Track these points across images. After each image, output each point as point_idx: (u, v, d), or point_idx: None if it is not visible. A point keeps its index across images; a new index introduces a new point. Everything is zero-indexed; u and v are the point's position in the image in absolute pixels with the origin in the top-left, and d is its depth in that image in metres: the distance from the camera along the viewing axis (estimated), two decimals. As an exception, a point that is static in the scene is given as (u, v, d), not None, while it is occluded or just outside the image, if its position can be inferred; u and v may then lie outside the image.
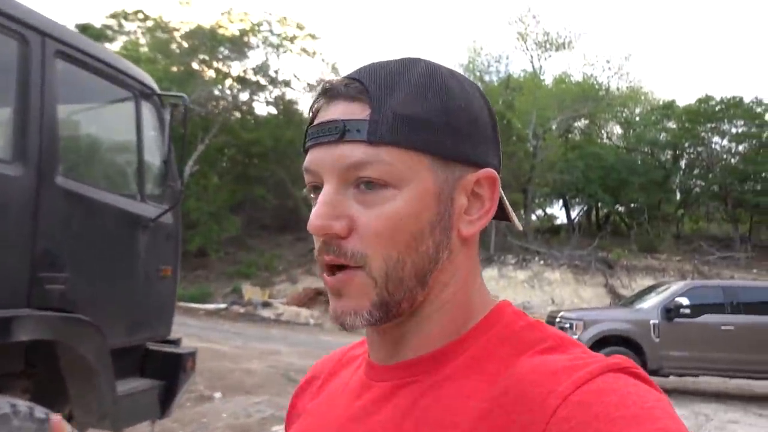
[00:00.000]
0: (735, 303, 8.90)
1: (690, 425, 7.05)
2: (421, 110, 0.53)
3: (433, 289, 0.55)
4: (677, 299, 8.88)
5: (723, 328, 8.67)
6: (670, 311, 8.78)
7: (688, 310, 8.74)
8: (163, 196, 3.34)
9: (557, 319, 9.32)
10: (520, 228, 0.66)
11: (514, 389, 0.49)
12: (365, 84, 0.53)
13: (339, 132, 0.52)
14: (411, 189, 0.53)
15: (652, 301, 9.29)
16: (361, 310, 0.53)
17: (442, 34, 61.11)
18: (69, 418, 2.97)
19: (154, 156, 3.27)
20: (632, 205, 28.79)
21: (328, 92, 0.55)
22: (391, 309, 0.54)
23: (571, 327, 8.92)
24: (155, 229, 3.22)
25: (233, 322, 15.44)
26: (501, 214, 0.63)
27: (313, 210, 0.53)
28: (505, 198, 0.61)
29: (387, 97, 0.53)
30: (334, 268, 0.54)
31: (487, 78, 30.35)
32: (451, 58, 40.19)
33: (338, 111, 0.54)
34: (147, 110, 3.23)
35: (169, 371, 3.26)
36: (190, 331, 10.33)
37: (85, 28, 23.97)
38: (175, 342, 3.57)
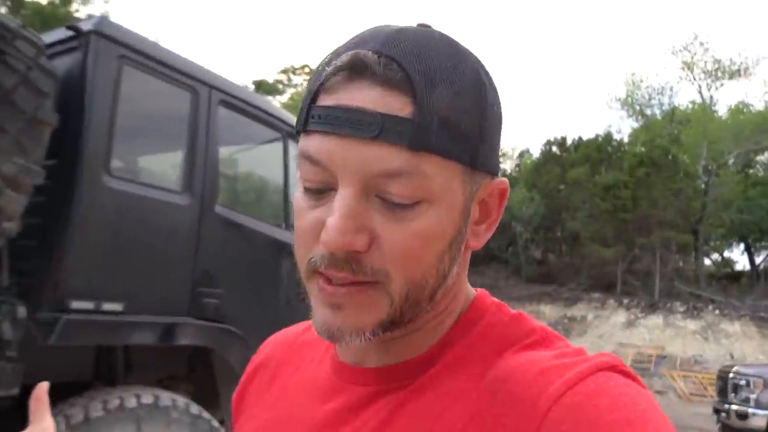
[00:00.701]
0: None
1: None
2: (465, 116, 0.46)
3: (435, 301, 0.51)
4: None
5: None
6: None
7: None
8: (305, 225, 3.69)
9: (731, 375, 8.24)
10: None
11: (503, 389, 0.46)
12: (408, 70, 0.44)
13: (375, 129, 0.43)
14: (443, 204, 0.47)
15: None
16: (364, 329, 0.47)
17: (594, 66, 58.70)
18: (221, 422, 3.35)
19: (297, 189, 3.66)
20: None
21: (356, 67, 0.45)
22: (395, 327, 0.49)
23: (747, 384, 7.84)
24: (297, 254, 3.57)
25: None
26: None
27: (331, 221, 0.45)
28: None
29: (432, 91, 0.44)
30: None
31: (648, 111, 28.42)
32: (607, 91, 38.25)
33: (371, 98, 0.44)
34: (293, 148, 3.63)
35: (305, 387, 3.52)
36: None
37: (260, 84, 27.07)
38: (312, 361, 3.85)
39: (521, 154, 31.29)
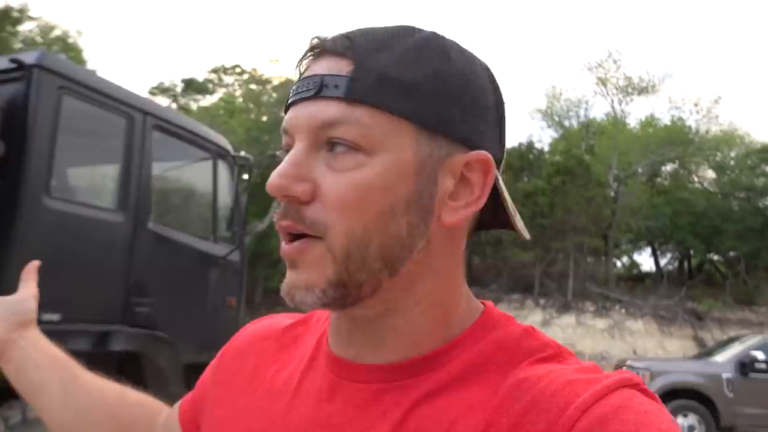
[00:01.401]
0: (819, 360, 8.41)
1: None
2: (411, 74, 0.48)
3: (407, 280, 0.50)
4: (752, 353, 8.50)
5: (806, 386, 8.20)
6: (745, 365, 8.41)
7: (764, 365, 8.34)
8: (232, 239, 4.02)
9: (624, 368, 9.18)
10: (527, 237, 0.56)
11: (526, 398, 0.46)
12: (354, 40, 0.49)
13: (316, 87, 0.48)
14: (386, 157, 0.47)
15: (727, 355, 8.94)
16: (313, 287, 0.48)
17: (518, 79, 61.44)
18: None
19: (225, 205, 3.98)
20: (730, 253, 27.17)
21: (315, 48, 0.51)
22: (350, 291, 0.48)
23: (637, 377, 8.77)
24: (224, 265, 3.89)
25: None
26: (500, 221, 0.56)
27: (276, 169, 0.48)
28: (508, 200, 0.53)
29: (375, 55, 0.48)
30: (293, 236, 0.49)
31: (566, 123, 30.20)
32: (529, 103, 40.38)
33: (321, 67, 0.49)
34: (222, 168, 3.95)
35: (231, 386, 3.85)
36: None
37: (190, 83, 26.59)
38: (238, 362, 4.18)
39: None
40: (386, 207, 0.48)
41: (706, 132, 29.25)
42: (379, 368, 0.52)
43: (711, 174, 30.35)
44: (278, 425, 0.54)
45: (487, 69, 0.53)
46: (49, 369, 0.73)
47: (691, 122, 29.38)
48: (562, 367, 0.49)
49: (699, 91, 51.90)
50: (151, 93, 26.90)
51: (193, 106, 25.94)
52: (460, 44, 0.53)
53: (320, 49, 0.50)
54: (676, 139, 27.24)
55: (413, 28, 0.51)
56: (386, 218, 0.48)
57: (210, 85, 25.50)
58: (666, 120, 30.19)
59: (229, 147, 4.05)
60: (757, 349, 8.55)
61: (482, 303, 0.56)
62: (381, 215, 0.47)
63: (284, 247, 0.50)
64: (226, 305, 3.94)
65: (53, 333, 2.63)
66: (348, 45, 0.49)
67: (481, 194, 0.50)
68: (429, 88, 0.48)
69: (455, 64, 0.50)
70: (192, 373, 3.69)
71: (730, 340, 10.15)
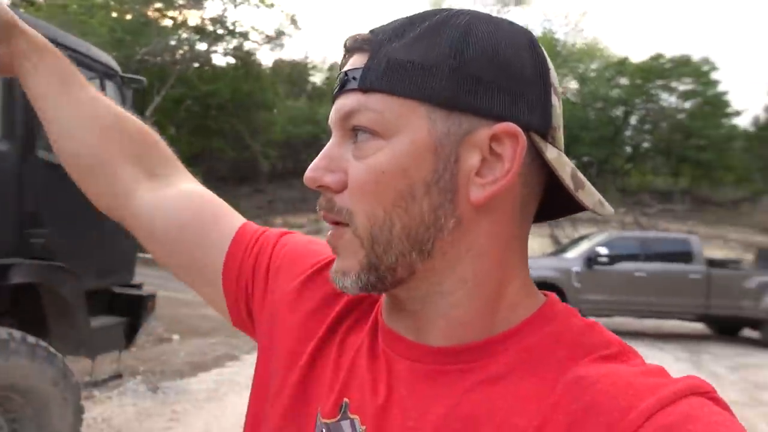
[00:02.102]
0: (649, 253, 9.83)
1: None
2: (423, 55, 0.48)
3: (445, 261, 0.50)
4: (597, 249, 9.80)
5: (636, 274, 9.59)
6: (591, 260, 9.70)
7: (606, 259, 9.66)
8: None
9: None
10: (602, 211, 0.52)
11: (585, 397, 0.44)
12: (375, 34, 0.51)
13: (341, 83, 0.51)
14: (399, 140, 0.48)
15: (577, 251, 10.23)
16: (350, 272, 0.50)
17: (406, -19, 60.11)
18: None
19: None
20: (584, 158, 30.00)
21: (346, 48, 0.53)
22: (385, 274, 0.49)
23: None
24: (119, 191, 3.81)
25: (194, 270, 15.91)
26: (569, 203, 0.53)
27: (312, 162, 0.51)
28: (567, 172, 0.49)
29: (388, 43, 0.49)
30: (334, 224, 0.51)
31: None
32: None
33: (348, 64, 0.51)
34: (110, 89, 3.75)
35: (133, 310, 3.93)
36: (152, 281, 10.67)
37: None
38: (138, 286, 4.22)
39: (331, 68, 31.74)
40: (404, 189, 0.48)
41: (573, 45, 31.11)
42: (433, 350, 0.51)
43: (575, 85, 32.66)
44: (348, 388, 0.55)
45: (529, 37, 0.51)
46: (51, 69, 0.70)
47: (560, 35, 31.01)
48: (626, 368, 0.47)
49: (569, 5, 54.29)
50: (-16, -21, 22.90)
51: (41, 0, 22.64)
52: (493, 17, 0.52)
53: (348, 49, 0.52)
54: (546, 51, 28.66)
55: (435, 11, 0.51)
56: (406, 200, 0.48)
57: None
58: (538, 32, 31.56)
59: (117, 67, 3.84)
60: (601, 245, 9.87)
61: (545, 294, 0.55)
62: (400, 197, 0.48)
63: (327, 235, 0.52)
64: (124, 230, 3.91)
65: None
66: (367, 39, 0.51)
67: (511, 167, 0.48)
68: (441, 66, 0.47)
69: (477, 38, 0.48)
70: (94, 299, 3.70)
71: (581, 238, 11.58)
